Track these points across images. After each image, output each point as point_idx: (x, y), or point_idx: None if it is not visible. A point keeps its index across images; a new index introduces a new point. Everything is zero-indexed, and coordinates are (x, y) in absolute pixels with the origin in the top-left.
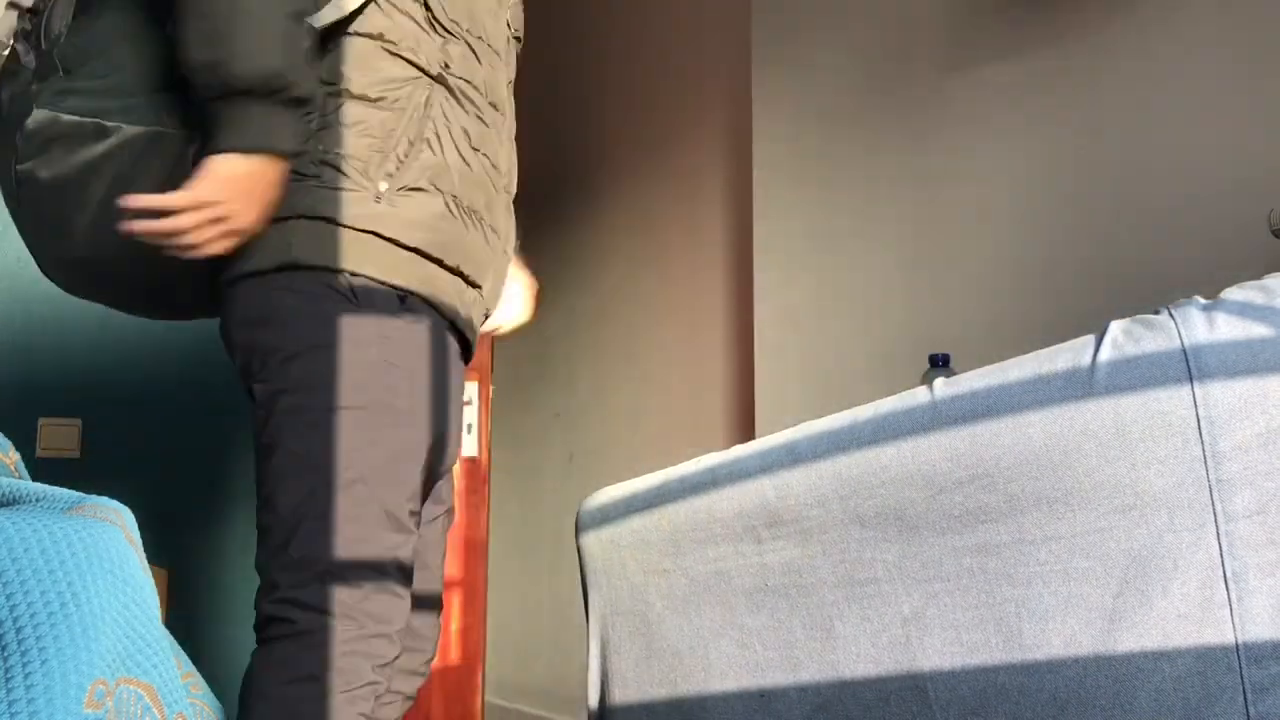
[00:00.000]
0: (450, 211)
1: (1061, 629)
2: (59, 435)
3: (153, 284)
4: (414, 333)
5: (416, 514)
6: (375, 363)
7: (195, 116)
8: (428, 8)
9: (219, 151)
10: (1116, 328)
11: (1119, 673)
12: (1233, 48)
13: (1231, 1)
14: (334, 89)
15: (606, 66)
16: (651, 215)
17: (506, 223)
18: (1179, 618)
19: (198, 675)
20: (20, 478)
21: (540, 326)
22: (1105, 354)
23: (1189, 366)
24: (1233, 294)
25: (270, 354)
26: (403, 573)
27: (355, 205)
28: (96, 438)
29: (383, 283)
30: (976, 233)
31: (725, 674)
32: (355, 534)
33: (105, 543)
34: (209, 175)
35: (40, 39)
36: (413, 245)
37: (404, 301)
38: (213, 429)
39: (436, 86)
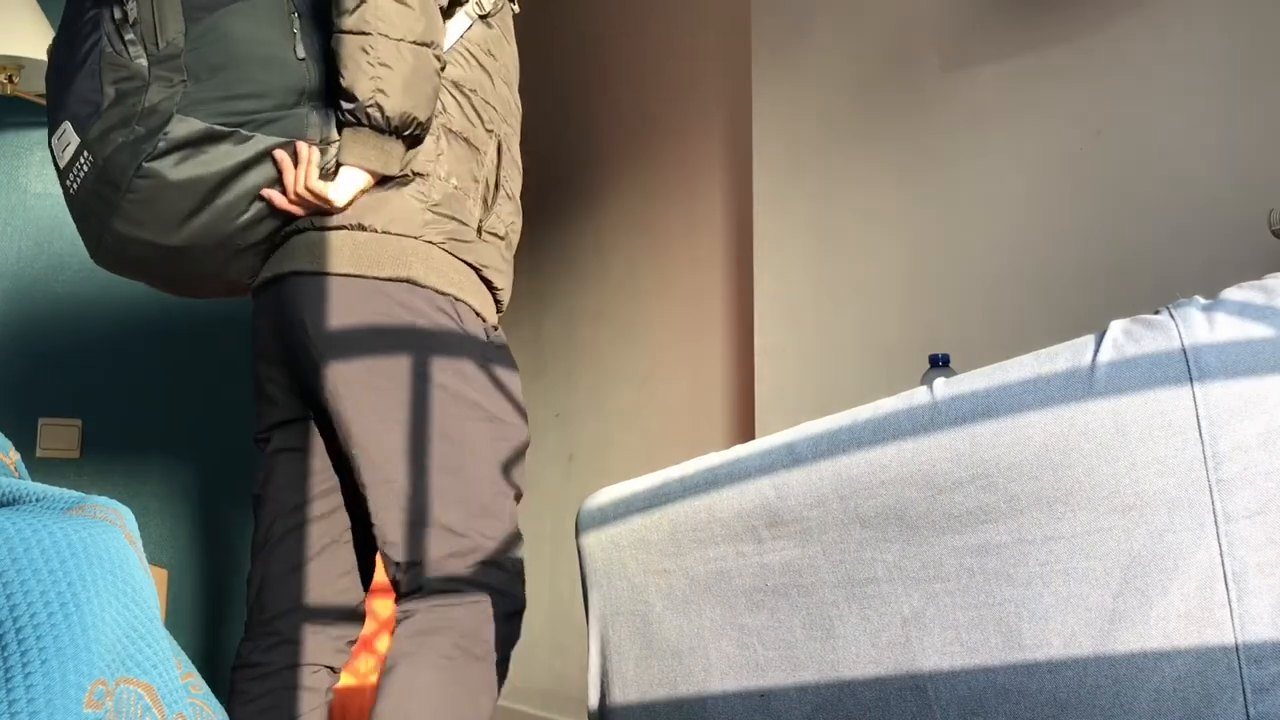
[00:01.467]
0: (510, 252)
1: (1061, 629)
2: (59, 435)
3: (224, 273)
4: (503, 357)
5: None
6: (486, 385)
7: (327, 129)
8: (493, 59)
9: (353, 165)
10: (1116, 328)
11: (1119, 673)
12: (1233, 48)
13: (1232, 2)
14: (443, 123)
15: (607, 66)
16: (651, 214)
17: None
18: (1179, 618)
19: (198, 675)
20: (20, 478)
21: (540, 326)
22: (1105, 354)
23: (1189, 366)
24: (1233, 294)
25: (383, 359)
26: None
27: (463, 237)
28: (96, 438)
29: (477, 312)
30: (976, 232)
31: (725, 674)
32: (505, 530)
33: (105, 543)
34: (348, 184)
35: (150, 42)
36: (498, 286)
37: (488, 333)
38: (213, 429)
39: (502, 135)
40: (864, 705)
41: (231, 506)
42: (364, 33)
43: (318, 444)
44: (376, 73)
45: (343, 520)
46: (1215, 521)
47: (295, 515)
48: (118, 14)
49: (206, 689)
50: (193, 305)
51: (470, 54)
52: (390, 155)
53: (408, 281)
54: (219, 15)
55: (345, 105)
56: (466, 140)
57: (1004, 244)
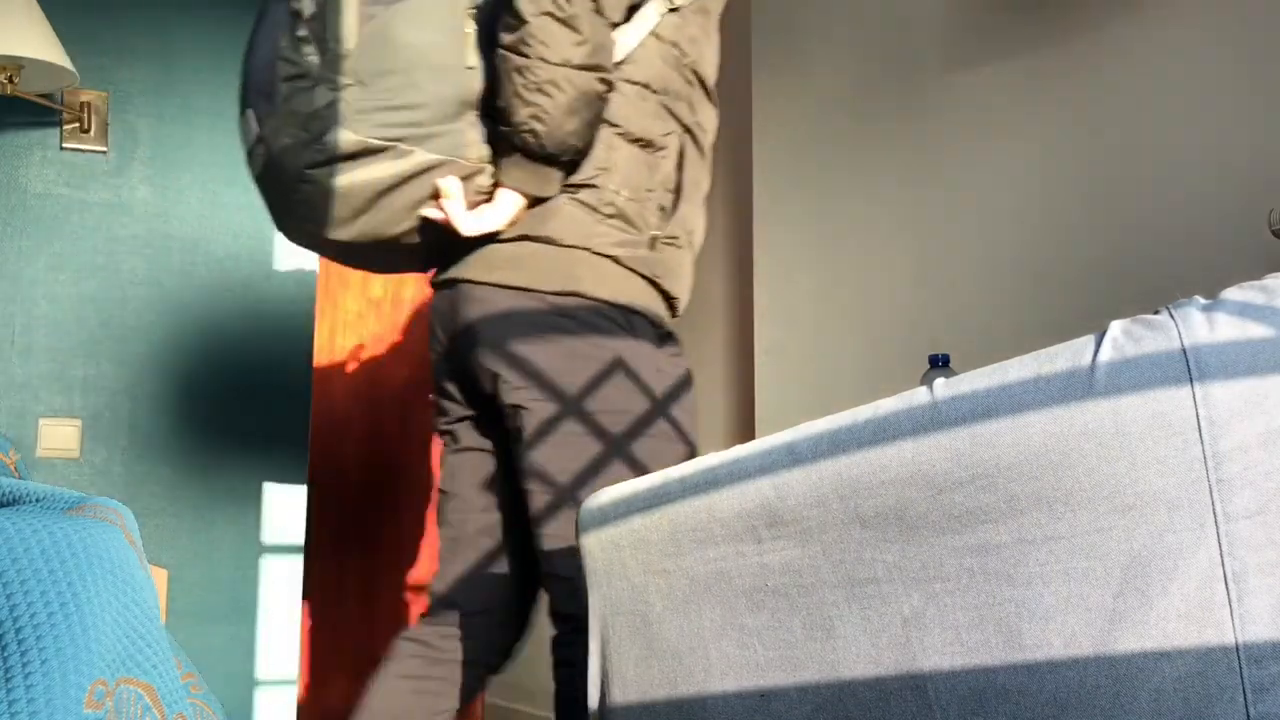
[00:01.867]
0: (689, 257)
1: (1061, 629)
2: (59, 435)
3: (396, 264)
4: (677, 366)
5: None
6: (652, 395)
7: (487, 147)
8: (682, 53)
9: (511, 188)
10: (1116, 328)
11: (1119, 673)
12: (1232, 48)
13: (1231, 2)
14: (618, 129)
15: None
16: None
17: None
18: (1179, 618)
19: (198, 675)
20: (20, 478)
21: None
22: (1105, 354)
23: (1189, 367)
24: (1233, 294)
25: (556, 373)
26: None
27: (633, 248)
28: (96, 438)
29: (651, 319)
30: (976, 233)
31: (725, 674)
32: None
33: (105, 543)
34: (506, 206)
35: (324, 43)
36: (674, 295)
37: (664, 339)
38: (212, 429)
39: (687, 137)
40: (864, 705)
41: (231, 506)
42: (523, 55)
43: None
44: (533, 98)
45: (521, 527)
46: (1215, 521)
47: (486, 516)
48: (295, 5)
49: (207, 689)
50: (193, 305)
51: (659, 50)
52: (547, 179)
53: (576, 295)
54: (390, 14)
55: (501, 126)
56: (646, 144)
57: (1004, 244)
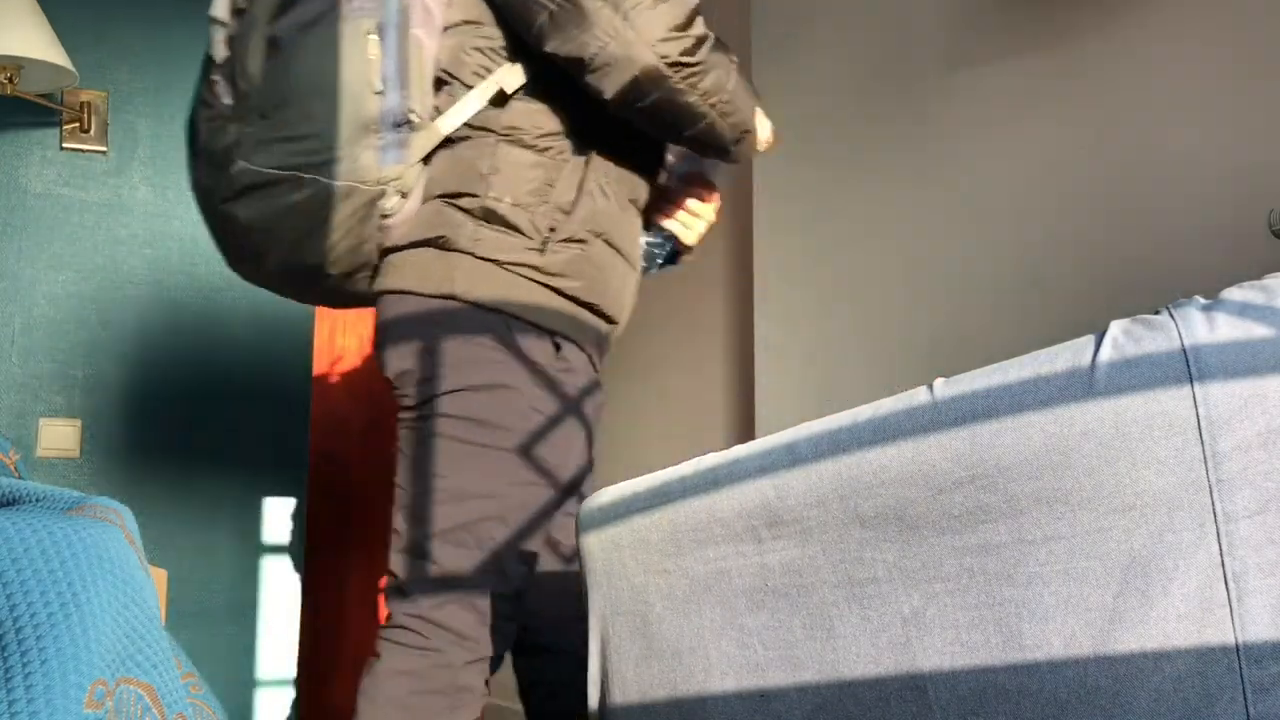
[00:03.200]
0: (605, 256)
1: (1061, 629)
2: (59, 435)
3: (328, 284)
4: (565, 379)
5: (535, 552)
6: (524, 410)
7: (383, 169)
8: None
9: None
10: (1116, 328)
11: (1119, 673)
12: (1232, 48)
13: (1231, 2)
14: (508, 138)
15: None
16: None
17: (636, 244)
18: (1179, 618)
19: (198, 675)
20: (20, 478)
21: None
22: (1105, 354)
23: (1189, 366)
24: (1233, 294)
25: (426, 380)
26: (517, 601)
27: (520, 252)
28: (96, 438)
29: (540, 327)
30: (977, 233)
31: (725, 674)
32: (491, 567)
33: (105, 543)
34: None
35: (236, 76)
36: (571, 294)
37: (559, 348)
38: (212, 429)
39: (598, 139)
40: (864, 705)
41: (231, 506)
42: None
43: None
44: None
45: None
46: (1215, 521)
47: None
48: (211, 53)
49: (207, 689)
50: (193, 305)
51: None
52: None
53: (452, 298)
54: (291, 47)
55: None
56: (542, 150)
57: (1004, 244)
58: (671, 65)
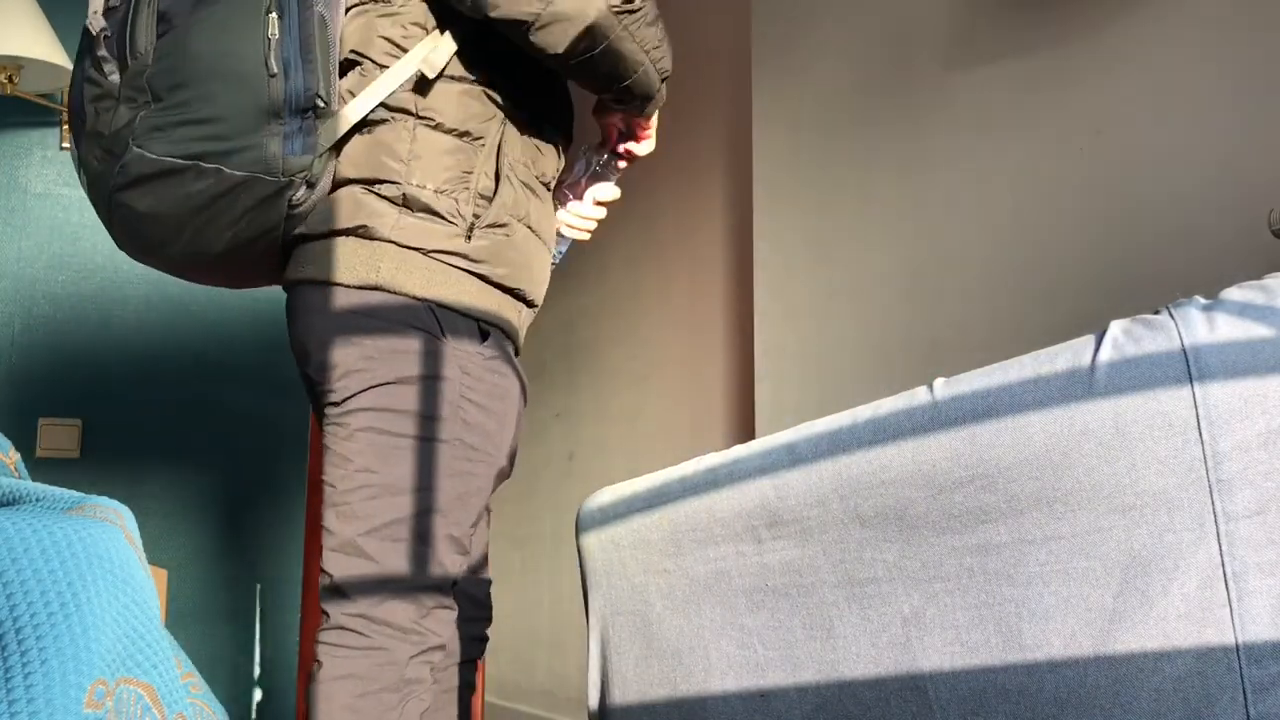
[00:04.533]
0: (526, 241)
1: (1061, 629)
2: (59, 435)
3: (232, 269)
4: (492, 366)
5: (473, 534)
6: (455, 400)
7: (290, 159)
8: (506, 42)
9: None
10: (1116, 328)
11: (1119, 673)
12: (1232, 48)
13: (1231, 2)
14: (427, 122)
15: None
16: (651, 215)
17: (551, 223)
18: (1179, 618)
19: (198, 675)
20: (20, 478)
21: (540, 326)
22: (1105, 354)
23: (1189, 366)
24: (1233, 294)
25: (353, 374)
26: (454, 589)
27: (444, 239)
28: (96, 438)
29: (467, 315)
30: (977, 232)
31: (725, 674)
32: (426, 557)
33: (105, 543)
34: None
35: (124, 53)
36: (497, 281)
37: (486, 336)
38: (212, 429)
39: (510, 121)
40: (864, 705)
41: (231, 506)
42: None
43: None
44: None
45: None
46: (1215, 521)
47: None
48: (96, 27)
49: (206, 689)
50: (193, 305)
51: (480, 35)
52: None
53: (378, 289)
54: (185, 24)
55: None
56: (461, 134)
57: (1004, 244)
58: (618, 12)
